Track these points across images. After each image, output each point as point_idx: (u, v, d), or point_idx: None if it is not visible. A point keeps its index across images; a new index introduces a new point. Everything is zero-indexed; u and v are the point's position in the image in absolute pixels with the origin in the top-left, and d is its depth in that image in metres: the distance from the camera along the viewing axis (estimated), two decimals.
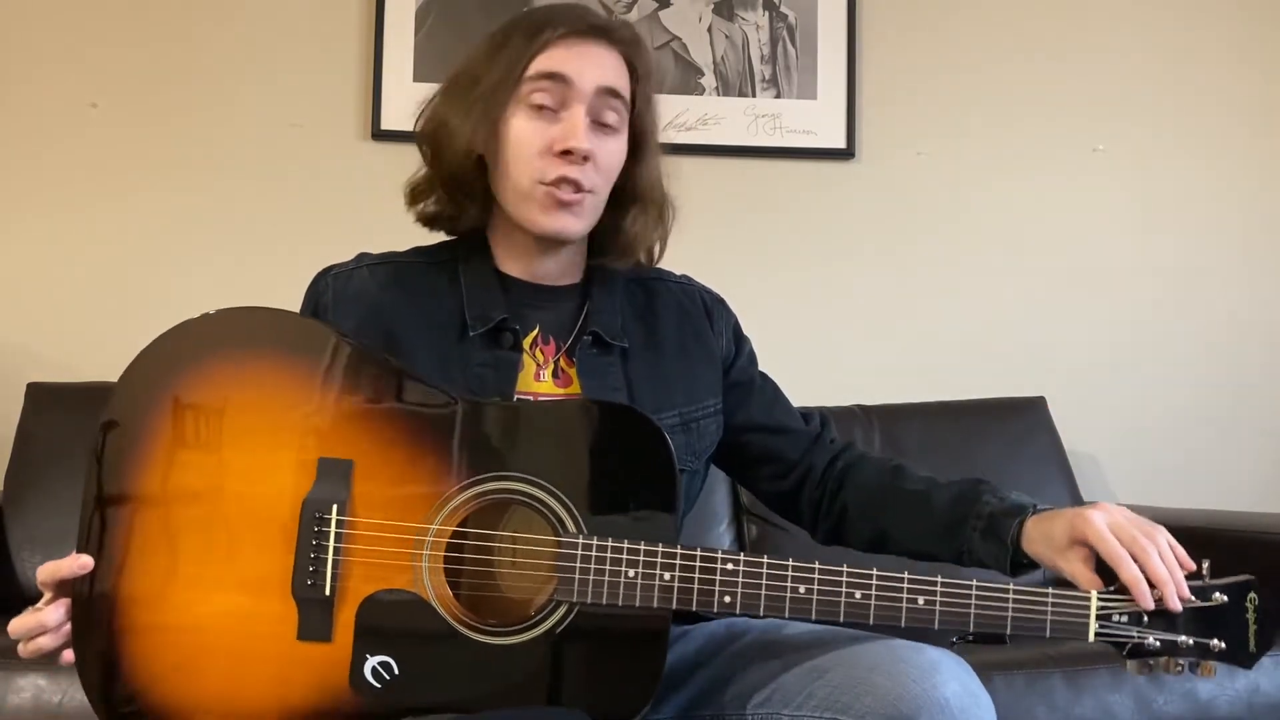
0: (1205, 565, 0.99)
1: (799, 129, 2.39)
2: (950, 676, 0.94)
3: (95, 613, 0.96)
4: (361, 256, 1.18)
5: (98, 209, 2.24)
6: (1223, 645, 0.96)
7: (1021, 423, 2.18)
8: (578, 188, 1.09)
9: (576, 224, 1.11)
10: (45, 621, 0.95)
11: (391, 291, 1.13)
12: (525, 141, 1.09)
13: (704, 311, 1.24)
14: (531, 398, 1.10)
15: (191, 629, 0.96)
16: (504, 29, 1.14)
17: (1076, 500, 2.12)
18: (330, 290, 1.14)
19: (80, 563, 0.95)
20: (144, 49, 2.27)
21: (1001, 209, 2.46)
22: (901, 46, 2.45)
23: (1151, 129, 2.49)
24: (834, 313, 2.40)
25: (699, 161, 2.34)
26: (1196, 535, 1.91)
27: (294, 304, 1.16)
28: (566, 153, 1.08)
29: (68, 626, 0.95)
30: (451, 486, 0.99)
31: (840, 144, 2.40)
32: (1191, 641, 0.96)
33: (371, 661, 0.96)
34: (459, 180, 1.12)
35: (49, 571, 0.95)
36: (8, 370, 2.12)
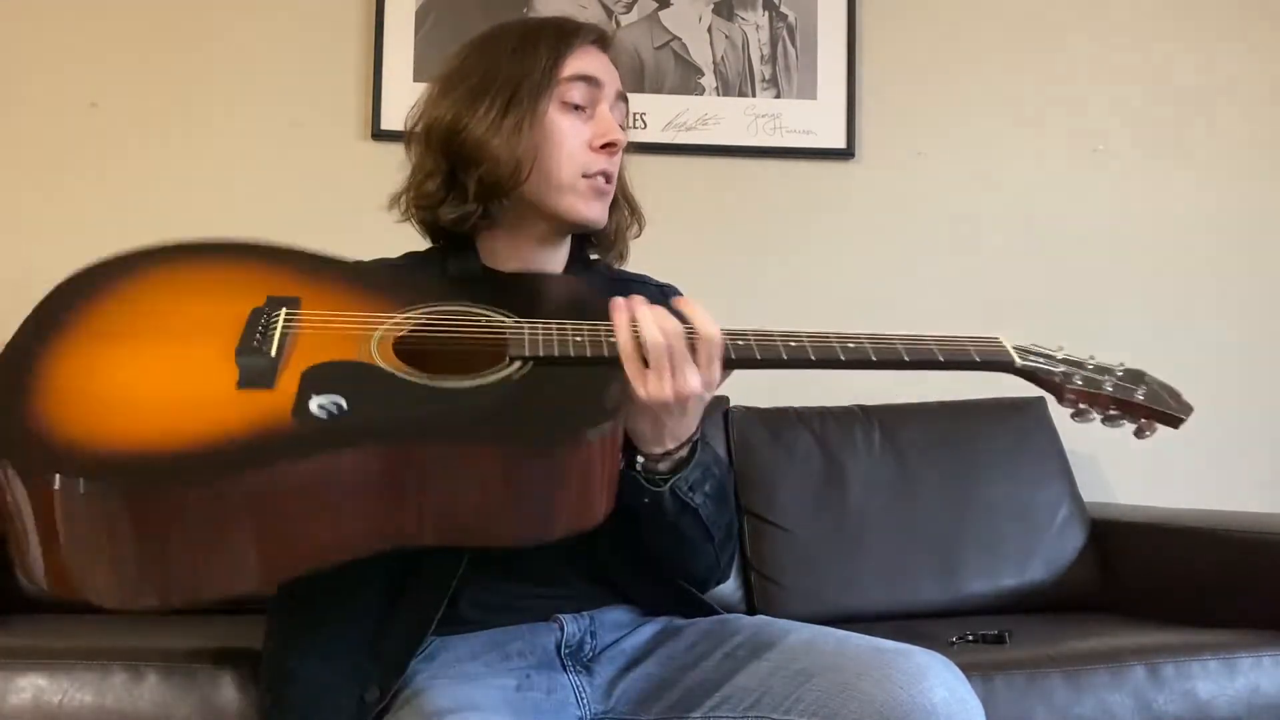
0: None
1: (799, 129, 2.39)
2: (938, 682, 0.93)
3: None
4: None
5: (97, 209, 2.24)
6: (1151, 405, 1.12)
7: (1021, 423, 2.18)
8: (609, 179, 1.18)
9: (605, 213, 1.20)
10: None
11: None
12: (568, 136, 1.16)
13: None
14: None
15: (119, 385, 0.91)
16: (520, 34, 1.19)
17: (1076, 501, 2.12)
18: None
19: None
20: (144, 49, 2.27)
21: (1001, 209, 2.45)
22: (901, 46, 2.45)
23: (1151, 129, 2.49)
24: (833, 313, 2.39)
25: (699, 161, 2.34)
26: (1197, 535, 1.94)
27: None
28: (606, 146, 1.16)
29: None
30: (400, 310, 1.03)
31: (840, 144, 2.40)
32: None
33: (318, 399, 0.90)
34: (493, 175, 1.15)
35: None
36: None
